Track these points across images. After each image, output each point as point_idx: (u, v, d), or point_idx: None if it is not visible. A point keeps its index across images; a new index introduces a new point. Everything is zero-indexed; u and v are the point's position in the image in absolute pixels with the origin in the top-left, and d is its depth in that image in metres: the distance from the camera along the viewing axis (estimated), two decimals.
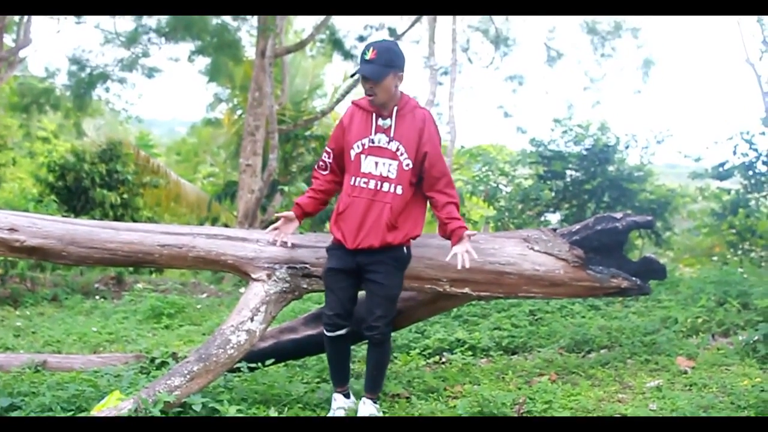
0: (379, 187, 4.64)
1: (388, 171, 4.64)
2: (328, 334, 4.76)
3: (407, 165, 4.65)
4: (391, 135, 4.66)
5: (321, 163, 4.98)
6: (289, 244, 5.02)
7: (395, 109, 4.67)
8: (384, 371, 4.90)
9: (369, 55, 4.56)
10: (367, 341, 4.87)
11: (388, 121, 4.67)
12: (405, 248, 4.76)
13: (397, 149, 4.65)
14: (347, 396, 4.86)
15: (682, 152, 15.33)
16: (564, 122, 15.04)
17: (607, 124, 14.84)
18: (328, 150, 4.91)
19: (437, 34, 19.83)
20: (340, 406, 4.79)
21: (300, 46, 20.75)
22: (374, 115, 4.70)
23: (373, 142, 4.68)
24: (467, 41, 23.09)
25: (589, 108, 23.14)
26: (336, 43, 20.49)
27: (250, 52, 22.03)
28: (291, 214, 5.01)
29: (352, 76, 4.71)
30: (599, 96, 31.85)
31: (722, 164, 14.17)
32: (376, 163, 4.66)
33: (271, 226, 5.12)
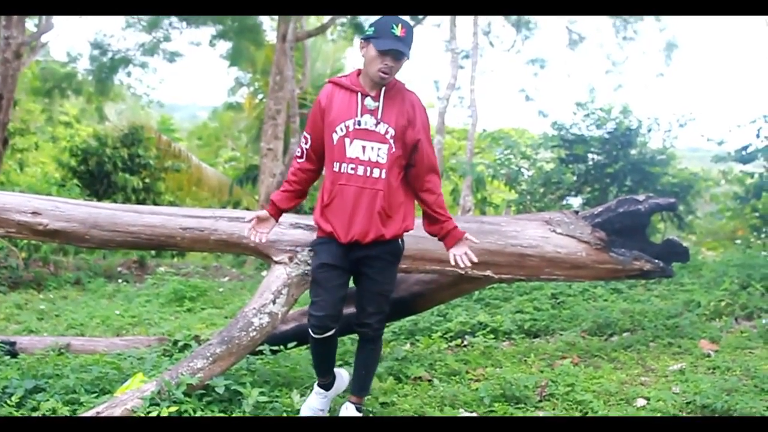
0: (369, 174, 4.21)
1: (378, 156, 4.21)
2: (316, 336, 4.36)
3: (395, 150, 4.24)
4: (379, 117, 4.23)
5: (298, 149, 4.49)
6: (265, 240, 4.56)
7: (383, 89, 4.26)
8: (373, 372, 4.62)
9: (399, 32, 4.13)
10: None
11: (375, 102, 4.24)
12: (400, 240, 4.38)
13: (386, 132, 4.22)
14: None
15: (705, 136, 15.25)
16: (586, 106, 14.91)
17: (630, 107, 14.69)
18: (306, 135, 4.43)
19: (458, 18, 19.73)
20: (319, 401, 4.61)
21: (321, 30, 20.77)
22: (359, 94, 4.27)
23: (359, 125, 4.23)
24: (488, 25, 23.03)
25: (611, 91, 23.01)
26: (357, 27, 20.45)
27: (271, 36, 22.12)
28: (264, 213, 4.52)
29: (381, 52, 4.11)
30: (621, 79, 31.70)
31: (745, 147, 14.00)
32: (364, 147, 4.22)
33: (246, 226, 4.62)
